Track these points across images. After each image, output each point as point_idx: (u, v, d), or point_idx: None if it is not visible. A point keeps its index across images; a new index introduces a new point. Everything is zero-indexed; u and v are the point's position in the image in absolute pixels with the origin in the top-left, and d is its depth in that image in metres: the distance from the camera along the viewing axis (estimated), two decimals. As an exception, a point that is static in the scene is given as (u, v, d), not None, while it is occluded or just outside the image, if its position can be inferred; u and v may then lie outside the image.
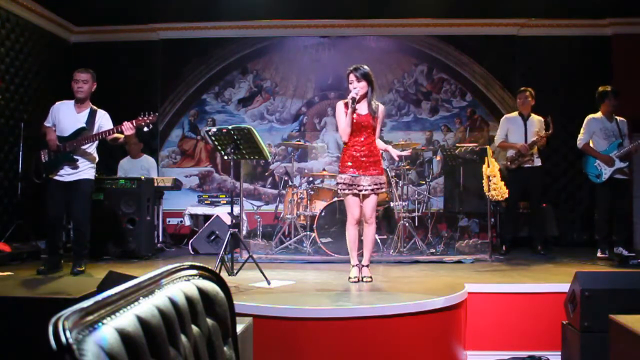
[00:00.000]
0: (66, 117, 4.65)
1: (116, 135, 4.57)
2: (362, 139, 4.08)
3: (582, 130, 5.57)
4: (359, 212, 4.08)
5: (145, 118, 4.51)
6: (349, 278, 4.13)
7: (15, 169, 6.43)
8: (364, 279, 4.09)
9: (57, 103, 4.76)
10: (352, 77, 4.06)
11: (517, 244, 6.52)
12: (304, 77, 8.18)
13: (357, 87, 4.02)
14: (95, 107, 4.75)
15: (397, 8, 7.70)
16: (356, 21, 8.04)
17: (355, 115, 4.05)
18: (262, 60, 8.21)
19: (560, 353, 3.37)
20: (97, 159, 4.82)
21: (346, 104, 4.09)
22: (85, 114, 4.67)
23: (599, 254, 5.44)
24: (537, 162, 6.09)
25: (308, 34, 8.19)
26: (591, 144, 5.54)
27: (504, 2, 7.56)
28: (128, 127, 4.46)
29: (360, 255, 4.20)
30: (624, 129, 5.50)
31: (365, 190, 4.03)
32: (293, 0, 7.73)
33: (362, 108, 4.09)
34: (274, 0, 7.57)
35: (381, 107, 4.17)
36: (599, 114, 5.56)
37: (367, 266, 4.15)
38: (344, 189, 4.08)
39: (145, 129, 4.56)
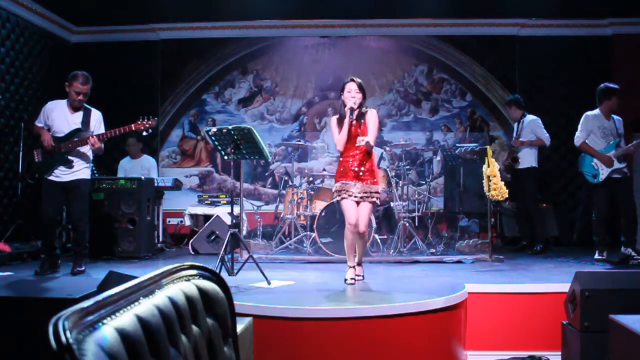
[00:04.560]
0: (60, 117, 4.61)
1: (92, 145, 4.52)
2: (354, 150, 4.07)
3: (579, 128, 5.39)
4: (356, 217, 4.02)
5: (145, 122, 4.51)
6: (345, 280, 4.11)
7: (15, 169, 6.43)
8: (356, 277, 4.17)
9: (49, 103, 4.71)
10: (353, 85, 4.07)
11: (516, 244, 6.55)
12: (304, 77, 8.18)
13: (356, 98, 4.05)
14: (89, 107, 4.70)
15: (397, 8, 7.70)
16: (356, 21, 8.03)
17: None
18: (262, 60, 8.21)
19: (560, 353, 3.37)
20: (91, 159, 4.80)
21: (338, 120, 4.14)
22: (79, 114, 4.64)
23: (596, 256, 5.32)
24: (523, 164, 6.18)
25: (308, 34, 8.19)
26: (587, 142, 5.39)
27: (504, 2, 7.56)
28: (95, 141, 4.46)
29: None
30: (620, 128, 5.35)
31: (355, 197, 4.01)
32: (293, 0, 7.73)
33: (353, 120, 4.13)
34: (274, 0, 7.57)
35: (371, 112, 4.15)
36: (596, 111, 5.38)
37: (360, 264, 4.26)
38: (339, 195, 4.11)
39: (145, 133, 4.57)
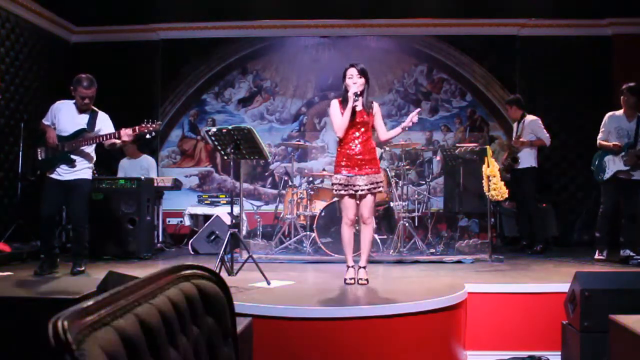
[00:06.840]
0: (67, 117, 4.61)
1: (114, 140, 4.51)
2: (357, 136, 4.00)
3: (601, 129, 5.41)
4: (354, 213, 4.00)
5: (149, 125, 4.49)
6: (345, 280, 4.04)
7: (15, 169, 6.43)
8: (360, 281, 4.00)
9: (57, 102, 4.72)
10: (353, 71, 3.98)
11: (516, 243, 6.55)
12: (304, 77, 8.18)
13: (358, 83, 3.96)
14: (96, 109, 4.70)
15: (397, 8, 7.70)
16: (356, 21, 8.04)
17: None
18: (262, 60, 8.21)
19: (560, 353, 3.37)
20: (94, 159, 4.80)
21: (341, 102, 4.05)
22: (86, 115, 4.64)
23: (596, 256, 5.30)
24: (522, 164, 6.18)
25: (308, 34, 8.19)
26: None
27: (504, 2, 7.57)
28: (126, 134, 4.43)
29: (358, 256, 4.14)
30: None
31: (362, 190, 3.94)
32: (293, 0, 7.73)
33: (358, 105, 4.00)
34: (274, 0, 7.57)
35: (376, 104, 4.11)
36: (619, 112, 5.36)
37: (364, 268, 4.06)
38: (339, 190, 3.99)
39: (148, 136, 4.54)
